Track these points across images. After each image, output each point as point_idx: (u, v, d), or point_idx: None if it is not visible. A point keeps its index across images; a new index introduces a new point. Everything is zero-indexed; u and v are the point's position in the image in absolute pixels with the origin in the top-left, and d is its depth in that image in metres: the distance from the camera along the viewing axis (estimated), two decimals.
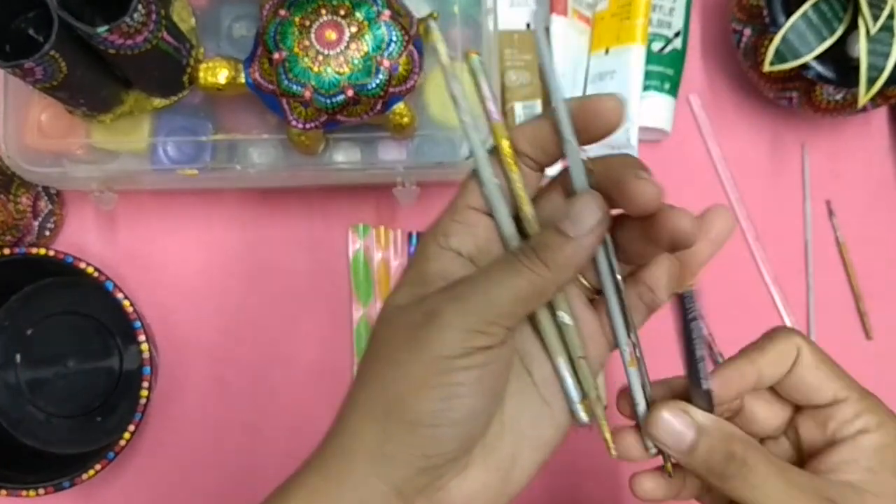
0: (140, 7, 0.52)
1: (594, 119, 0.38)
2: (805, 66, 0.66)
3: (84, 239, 0.74)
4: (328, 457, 0.39)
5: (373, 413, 0.37)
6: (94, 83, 0.60)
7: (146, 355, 0.66)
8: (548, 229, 0.37)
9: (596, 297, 0.42)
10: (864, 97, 0.64)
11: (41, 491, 0.65)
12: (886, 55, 0.63)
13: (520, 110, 0.72)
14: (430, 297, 0.37)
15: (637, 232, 0.39)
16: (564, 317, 0.39)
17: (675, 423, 0.41)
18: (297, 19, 0.60)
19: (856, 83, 0.64)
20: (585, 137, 0.38)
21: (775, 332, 0.45)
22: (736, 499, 0.40)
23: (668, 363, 0.46)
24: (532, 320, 0.40)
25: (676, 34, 0.73)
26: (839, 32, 0.65)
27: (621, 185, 0.37)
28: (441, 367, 0.35)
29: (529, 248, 0.37)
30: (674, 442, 0.41)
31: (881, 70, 0.63)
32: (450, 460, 0.37)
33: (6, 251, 0.67)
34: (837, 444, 0.42)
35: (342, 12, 0.60)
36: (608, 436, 0.43)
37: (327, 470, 0.38)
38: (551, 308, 0.40)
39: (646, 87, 0.72)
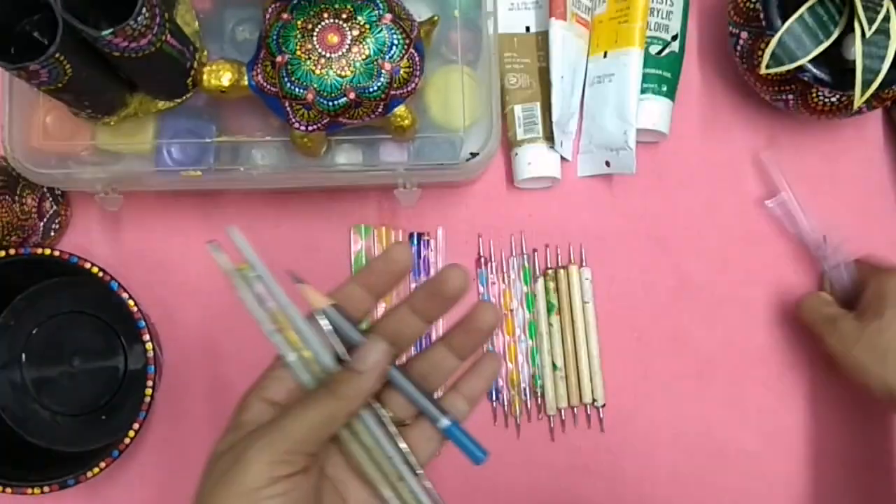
0: (144, 10, 0.52)
1: (441, 291, 0.46)
2: (801, 69, 0.67)
3: (89, 239, 0.74)
4: None
5: None
6: (99, 85, 0.60)
7: (150, 354, 0.67)
8: (340, 370, 0.43)
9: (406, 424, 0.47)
10: (859, 99, 0.64)
11: (46, 489, 0.65)
12: (882, 58, 0.64)
13: (519, 112, 0.73)
14: (240, 440, 0.42)
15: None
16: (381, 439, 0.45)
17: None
18: (299, 23, 0.60)
19: (851, 86, 0.65)
20: (439, 309, 0.47)
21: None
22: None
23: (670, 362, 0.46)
24: (347, 452, 0.45)
25: (674, 37, 0.73)
26: (835, 35, 0.65)
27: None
28: (249, 499, 0.39)
29: (322, 384, 0.43)
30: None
31: (876, 73, 0.64)
32: None
33: (12, 251, 0.67)
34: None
35: (344, 16, 0.60)
36: None
37: None
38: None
39: (644, 90, 0.72)
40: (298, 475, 0.41)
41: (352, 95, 0.60)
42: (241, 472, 0.40)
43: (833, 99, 0.68)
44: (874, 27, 0.63)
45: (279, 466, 0.40)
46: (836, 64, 0.67)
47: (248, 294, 0.47)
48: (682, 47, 0.74)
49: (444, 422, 0.47)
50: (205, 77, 0.61)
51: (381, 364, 0.44)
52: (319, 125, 0.62)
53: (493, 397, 0.74)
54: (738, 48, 0.71)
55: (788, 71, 0.67)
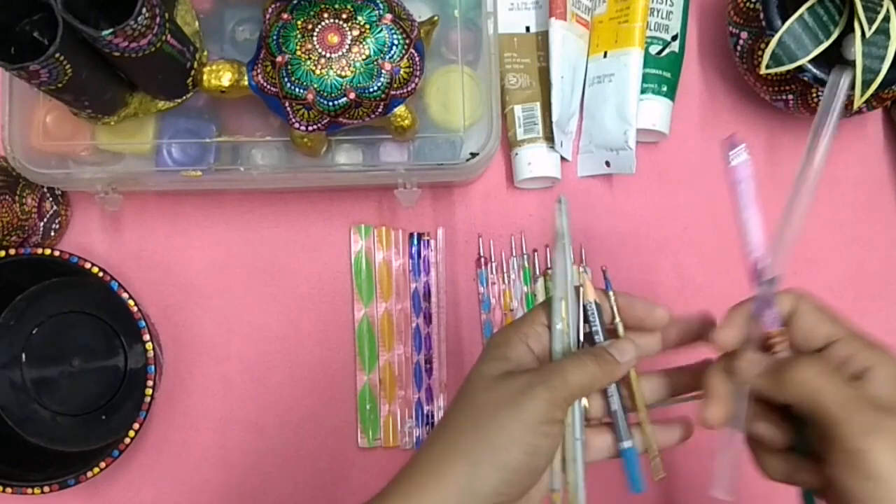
0: (144, 10, 0.52)
1: (640, 320, 0.53)
2: (801, 69, 0.67)
3: (89, 239, 0.74)
4: (418, 486, 0.47)
5: (468, 455, 0.46)
6: (99, 85, 0.60)
7: (150, 354, 0.67)
8: (602, 349, 0.51)
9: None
10: (859, 99, 0.65)
11: (46, 489, 0.65)
12: (882, 58, 0.64)
13: (519, 112, 0.73)
14: (521, 375, 0.48)
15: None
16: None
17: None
18: (299, 23, 0.60)
19: (851, 86, 0.65)
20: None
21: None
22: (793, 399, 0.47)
23: None
24: None
25: (674, 38, 0.73)
26: (835, 35, 0.65)
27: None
28: (532, 429, 0.46)
29: (591, 354, 0.50)
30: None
31: (876, 73, 0.64)
32: (513, 500, 0.47)
33: (12, 251, 0.67)
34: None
35: (344, 16, 0.60)
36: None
37: (419, 497, 0.46)
38: None
39: (644, 90, 0.72)
40: (560, 424, 0.48)
41: (352, 95, 0.60)
42: (529, 404, 0.46)
43: None
44: (874, 27, 0.63)
45: (556, 409, 0.47)
46: (835, 64, 0.67)
47: (562, 259, 0.52)
48: (681, 47, 0.74)
49: (626, 444, 0.53)
50: (205, 77, 0.62)
51: (632, 363, 0.52)
52: (319, 125, 0.62)
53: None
54: (738, 48, 0.71)
55: (788, 71, 0.67)
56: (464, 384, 0.49)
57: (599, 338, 0.52)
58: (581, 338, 0.52)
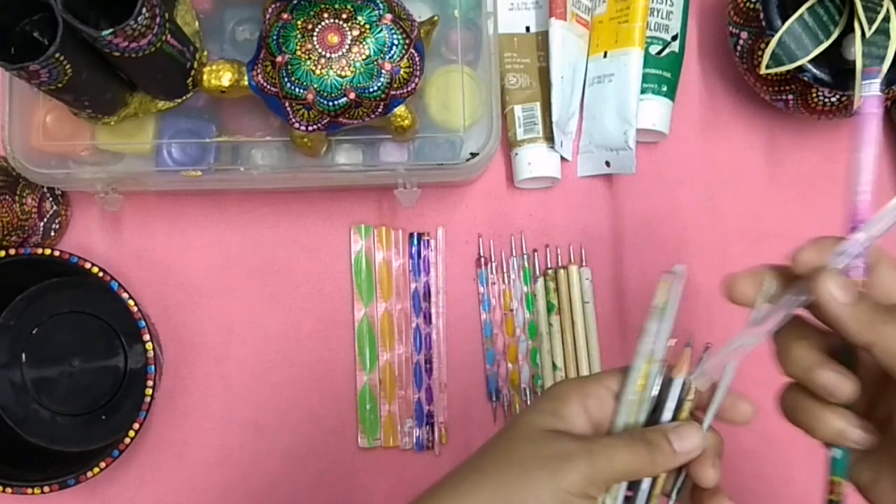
0: (144, 10, 0.52)
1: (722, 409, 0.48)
2: (801, 69, 0.67)
3: (89, 239, 0.74)
4: None
5: (493, 498, 0.44)
6: (99, 85, 0.60)
7: (150, 354, 0.67)
8: (660, 437, 0.46)
9: None
10: (859, 100, 0.65)
11: (46, 489, 0.65)
12: (882, 58, 0.64)
13: (519, 112, 0.73)
14: (568, 439, 0.45)
15: None
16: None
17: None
18: (299, 23, 0.60)
19: (851, 86, 0.65)
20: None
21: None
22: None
23: None
24: None
25: (674, 38, 0.73)
26: (835, 35, 0.65)
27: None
28: (562, 499, 0.44)
29: (642, 441, 0.46)
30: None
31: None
32: None
33: (12, 251, 0.67)
34: None
35: (344, 16, 0.60)
36: None
37: None
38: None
39: (644, 90, 0.72)
40: (593, 500, 0.45)
41: (352, 95, 0.60)
42: (567, 473, 0.44)
43: (833, 99, 0.68)
44: (874, 27, 0.63)
45: (593, 486, 0.44)
46: (836, 64, 0.67)
47: (653, 327, 0.49)
48: (681, 47, 0.74)
49: None
50: (205, 77, 0.62)
51: (693, 454, 0.46)
52: (319, 125, 0.62)
53: (494, 397, 0.74)
54: (738, 48, 0.71)
55: (788, 71, 0.67)
56: (507, 426, 0.48)
57: (667, 415, 0.47)
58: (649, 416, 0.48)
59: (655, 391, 0.48)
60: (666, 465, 0.46)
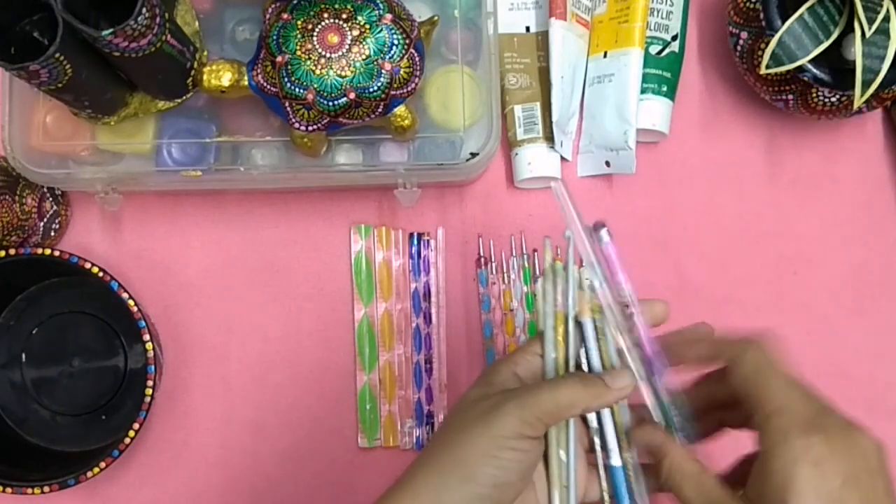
0: (144, 10, 0.52)
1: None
2: (801, 69, 0.67)
3: (89, 239, 0.74)
4: (395, 502, 0.48)
5: (439, 469, 0.48)
6: (99, 85, 0.60)
7: (150, 354, 0.67)
8: (594, 375, 0.50)
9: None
10: (859, 99, 0.65)
11: (46, 489, 0.65)
12: (882, 58, 0.64)
13: (519, 112, 0.73)
14: (496, 394, 0.49)
15: None
16: (562, 454, 0.51)
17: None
18: (299, 23, 0.60)
19: (851, 86, 0.65)
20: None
21: (745, 337, 0.50)
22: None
23: None
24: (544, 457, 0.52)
25: (674, 38, 0.73)
26: (835, 35, 0.65)
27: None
28: (499, 444, 0.47)
29: (576, 375, 0.51)
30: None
31: (876, 73, 0.64)
32: None
33: (12, 251, 0.67)
34: (766, 455, 0.45)
35: (344, 16, 0.60)
36: None
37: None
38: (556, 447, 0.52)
39: (644, 90, 0.72)
40: (534, 441, 0.48)
41: (352, 95, 0.60)
42: (498, 419, 0.47)
43: (833, 99, 0.68)
44: (874, 27, 0.63)
45: (526, 426, 0.47)
46: (835, 64, 0.67)
47: (547, 287, 0.53)
48: (681, 47, 0.74)
49: (615, 461, 0.52)
50: (205, 77, 0.62)
51: (625, 392, 0.50)
52: (319, 125, 0.62)
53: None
54: (738, 48, 0.71)
55: (788, 71, 0.67)
56: (448, 412, 0.51)
57: (595, 362, 0.51)
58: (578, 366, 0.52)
59: (584, 347, 0.52)
60: (600, 398, 0.49)
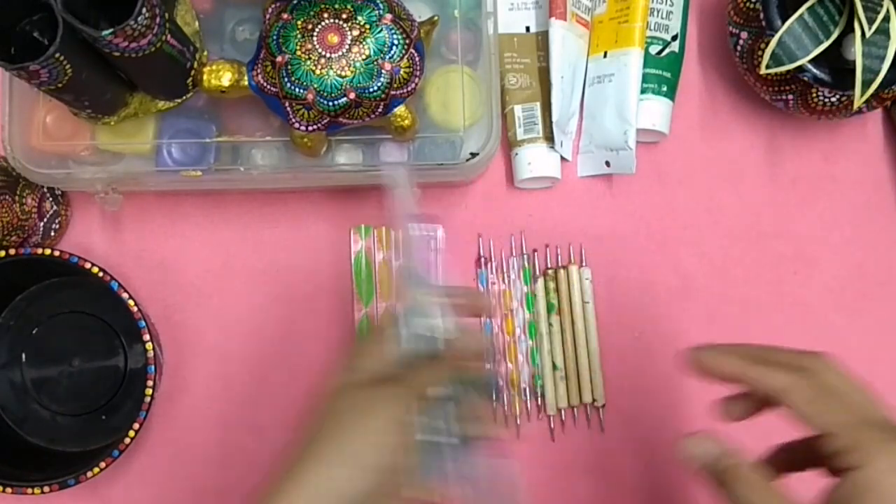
0: (144, 10, 0.53)
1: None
2: (801, 69, 0.67)
3: (89, 239, 0.74)
4: (278, 492, 0.47)
5: (328, 460, 0.48)
6: (99, 85, 0.60)
7: (151, 354, 0.67)
8: (448, 349, 0.54)
9: None
10: (859, 99, 0.65)
11: (46, 489, 0.65)
12: (882, 58, 0.64)
13: (519, 112, 0.73)
14: (369, 383, 0.51)
15: None
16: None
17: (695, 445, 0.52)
18: (299, 23, 0.60)
19: (851, 86, 0.65)
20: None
21: (784, 359, 0.51)
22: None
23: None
24: None
25: (674, 37, 0.73)
26: (835, 35, 0.65)
27: None
28: (384, 430, 0.49)
29: (432, 354, 0.54)
30: (691, 457, 0.52)
31: (876, 73, 0.64)
32: (384, 499, 0.49)
33: (12, 251, 0.67)
34: (837, 477, 0.47)
35: (344, 16, 0.60)
36: None
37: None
38: None
39: (644, 90, 0.72)
40: (412, 424, 0.50)
41: (352, 95, 0.60)
42: (379, 407, 0.49)
43: (833, 99, 0.68)
44: (874, 27, 0.63)
45: (409, 411, 0.50)
46: (835, 64, 0.67)
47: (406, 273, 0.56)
48: (681, 47, 0.74)
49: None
50: (205, 77, 0.62)
51: (473, 343, 0.55)
52: (319, 125, 0.62)
53: (494, 397, 0.74)
54: (738, 48, 0.71)
55: (788, 71, 0.67)
56: (320, 396, 0.52)
57: (440, 326, 0.54)
58: (427, 338, 0.55)
59: (433, 321, 0.54)
60: (456, 365, 0.54)
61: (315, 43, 0.60)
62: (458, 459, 0.53)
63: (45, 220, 0.71)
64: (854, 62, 0.64)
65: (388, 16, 0.60)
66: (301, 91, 0.60)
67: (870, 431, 0.46)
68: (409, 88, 0.62)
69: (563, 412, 0.74)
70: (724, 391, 0.54)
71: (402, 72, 0.61)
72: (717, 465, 0.51)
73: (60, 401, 0.72)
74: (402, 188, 0.55)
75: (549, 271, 0.74)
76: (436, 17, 0.66)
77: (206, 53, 0.65)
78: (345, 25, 0.60)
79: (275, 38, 0.60)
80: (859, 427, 0.46)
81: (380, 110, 0.62)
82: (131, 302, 0.67)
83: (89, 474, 0.66)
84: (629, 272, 0.75)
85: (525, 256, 0.75)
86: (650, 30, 0.73)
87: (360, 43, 0.60)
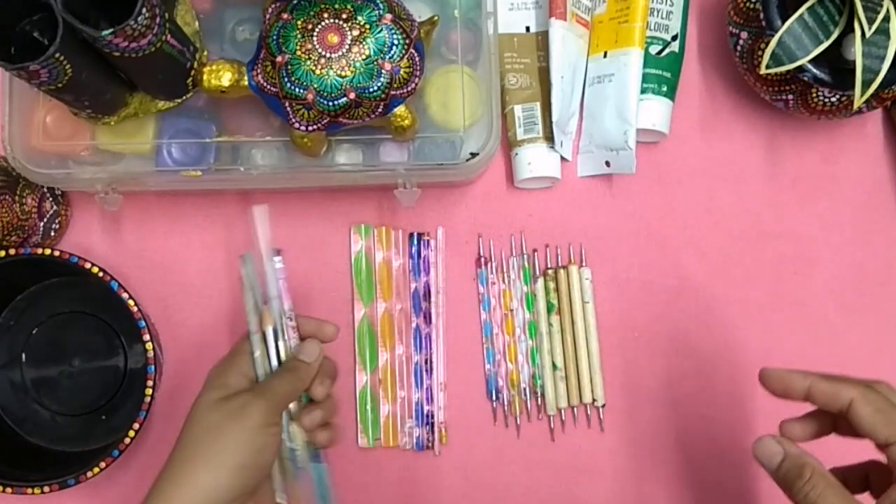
0: (144, 10, 0.52)
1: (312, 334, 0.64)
2: (801, 69, 0.67)
3: (89, 239, 0.74)
4: (164, 497, 0.55)
5: (207, 464, 0.55)
6: (99, 85, 0.60)
7: (150, 354, 0.67)
8: (294, 359, 0.61)
9: None
10: (859, 99, 0.64)
11: (46, 489, 0.65)
12: (881, 58, 0.63)
13: (519, 112, 0.73)
14: (240, 394, 0.58)
15: None
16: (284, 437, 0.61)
17: (771, 445, 0.54)
18: (299, 23, 0.60)
19: (851, 86, 0.64)
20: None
21: (851, 379, 0.53)
22: None
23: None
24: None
25: (674, 38, 0.73)
26: (835, 35, 0.65)
27: None
28: (254, 432, 0.56)
29: (286, 369, 0.61)
30: (767, 459, 0.54)
31: (876, 73, 0.64)
32: (248, 495, 0.56)
33: (12, 251, 0.67)
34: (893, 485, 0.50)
35: (344, 16, 0.60)
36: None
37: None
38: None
39: (644, 90, 0.72)
40: (277, 426, 0.58)
41: (352, 95, 0.60)
42: (249, 414, 0.56)
43: (833, 99, 0.68)
44: (874, 27, 0.63)
45: (271, 415, 0.57)
46: (835, 64, 0.67)
47: (251, 302, 0.62)
48: (681, 47, 0.74)
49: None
50: (205, 77, 0.61)
51: (320, 356, 0.62)
52: (319, 125, 0.62)
53: (494, 397, 0.74)
54: (738, 48, 0.71)
55: (788, 71, 0.67)
56: (190, 412, 0.58)
57: (291, 345, 0.62)
58: (280, 357, 0.61)
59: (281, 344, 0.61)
60: (309, 375, 0.61)
61: (315, 43, 0.60)
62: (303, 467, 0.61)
63: (45, 220, 0.71)
64: (854, 62, 0.64)
65: (388, 16, 0.60)
66: (301, 91, 0.60)
67: None
68: (409, 88, 0.62)
69: (563, 412, 0.74)
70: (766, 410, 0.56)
71: (402, 72, 0.61)
72: (793, 464, 0.52)
73: (60, 401, 0.72)
74: (262, 226, 0.62)
75: (549, 271, 0.74)
76: (436, 17, 0.66)
77: (206, 53, 0.65)
78: (345, 25, 0.60)
79: (275, 38, 0.60)
80: None
81: (380, 110, 0.62)
82: (131, 302, 0.67)
83: (89, 474, 0.66)
84: (629, 272, 0.75)
85: (525, 256, 0.75)
86: (650, 30, 0.73)
87: (360, 43, 0.60)
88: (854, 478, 0.55)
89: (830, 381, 0.53)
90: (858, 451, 0.54)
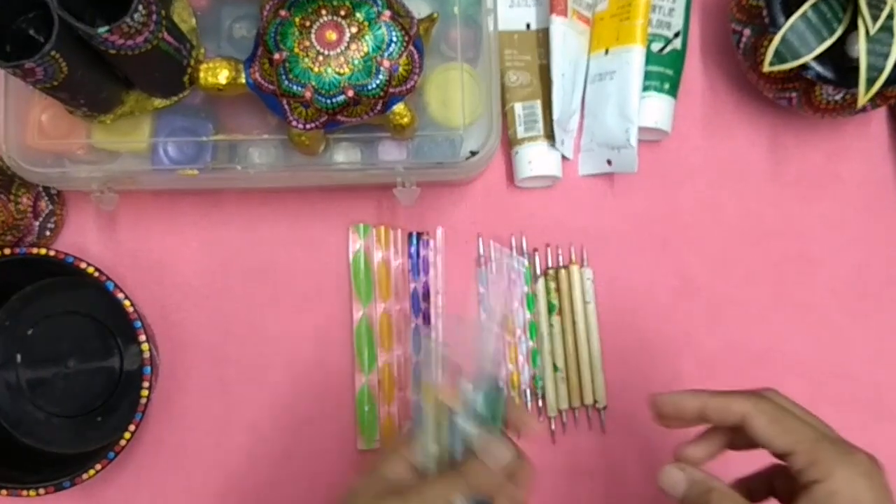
0: (141, 7, 0.52)
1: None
2: (804, 67, 0.66)
3: (85, 239, 0.74)
4: None
5: None
6: (95, 83, 0.60)
7: (146, 355, 0.66)
8: (474, 459, 0.53)
9: None
10: (863, 97, 0.64)
11: (41, 491, 0.65)
12: (886, 55, 0.63)
13: (519, 110, 0.72)
14: (392, 496, 0.50)
15: None
16: None
17: (674, 473, 0.53)
18: (297, 20, 0.60)
19: (855, 83, 0.64)
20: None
21: (741, 392, 0.52)
22: None
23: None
24: None
25: (676, 34, 0.73)
26: (839, 33, 0.65)
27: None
28: None
29: (458, 472, 0.52)
30: (671, 488, 0.52)
31: (880, 70, 0.63)
32: None
33: (7, 251, 0.67)
34: (799, 493, 0.49)
35: (342, 13, 0.60)
36: None
37: None
38: None
39: (645, 88, 0.72)
40: None
41: (350, 93, 0.59)
42: None
43: (837, 97, 0.67)
44: (878, 24, 0.63)
45: None
46: (839, 62, 0.67)
47: (431, 421, 0.54)
48: (684, 44, 0.73)
49: None
50: (202, 75, 0.61)
51: (504, 460, 0.53)
52: (317, 123, 0.61)
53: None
54: (741, 45, 0.70)
55: (792, 69, 0.66)
56: (345, 496, 0.52)
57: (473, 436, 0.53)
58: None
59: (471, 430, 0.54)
60: (478, 479, 0.52)
61: (313, 40, 0.59)
62: None
63: (41, 219, 0.70)
64: (858, 60, 0.64)
65: (387, 12, 0.60)
66: (299, 88, 0.59)
67: (828, 446, 0.48)
68: (408, 86, 0.61)
69: (563, 414, 0.73)
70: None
71: (400, 69, 0.60)
72: (699, 490, 0.51)
73: (56, 402, 0.72)
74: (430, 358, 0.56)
75: (550, 271, 0.74)
76: (435, 14, 0.65)
77: (202, 51, 0.65)
78: (343, 22, 0.59)
79: (272, 35, 0.60)
80: (819, 443, 0.49)
81: (378, 108, 0.61)
82: (127, 302, 0.67)
83: (85, 476, 0.65)
84: (631, 272, 0.75)
85: (526, 256, 0.74)
86: (652, 27, 0.72)
87: (359, 40, 0.59)
88: (759, 486, 0.55)
89: (720, 397, 0.51)
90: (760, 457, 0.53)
